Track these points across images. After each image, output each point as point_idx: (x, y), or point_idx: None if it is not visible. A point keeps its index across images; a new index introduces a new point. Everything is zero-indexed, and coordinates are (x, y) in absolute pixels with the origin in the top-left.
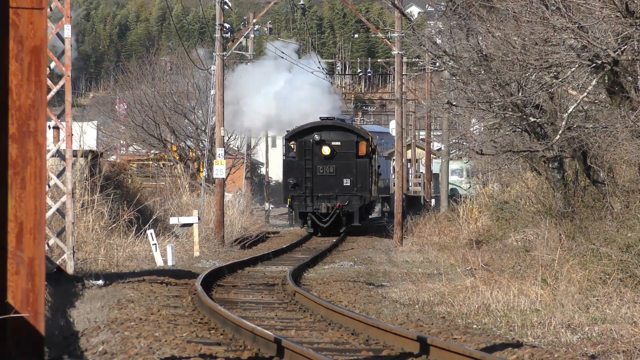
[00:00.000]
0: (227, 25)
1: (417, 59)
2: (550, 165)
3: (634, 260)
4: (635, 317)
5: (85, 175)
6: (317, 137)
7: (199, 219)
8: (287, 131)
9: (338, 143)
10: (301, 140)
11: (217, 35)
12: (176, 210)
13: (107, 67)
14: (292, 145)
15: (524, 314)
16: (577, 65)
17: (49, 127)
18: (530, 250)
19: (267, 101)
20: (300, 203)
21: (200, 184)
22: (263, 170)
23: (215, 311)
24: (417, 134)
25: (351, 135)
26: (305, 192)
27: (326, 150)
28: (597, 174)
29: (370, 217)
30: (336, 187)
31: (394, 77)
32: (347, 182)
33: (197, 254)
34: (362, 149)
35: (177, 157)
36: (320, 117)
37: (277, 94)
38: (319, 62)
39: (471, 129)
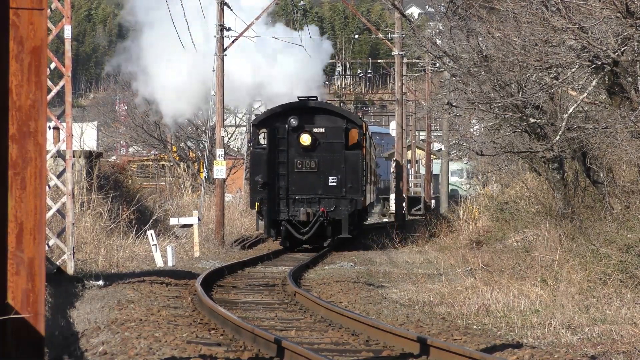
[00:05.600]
0: (227, 26)
1: (418, 60)
2: (550, 166)
3: (634, 261)
4: (636, 317)
5: (84, 175)
6: (294, 122)
7: (199, 219)
8: (254, 115)
9: (321, 130)
10: (273, 127)
11: (217, 35)
12: (176, 211)
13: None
14: (262, 134)
15: (524, 314)
16: (577, 66)
17: (49, 127)
18: (530, 251)
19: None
20: (271, 208)
21: (201, 185)
22: None
23: (215, 312)
24: (417, 134)
25: (339, 120)
26: (278, 194)
27: (306, 139)
28: (597, 175)
29: (366, 222)
30: (319, 188)
31: (394, 77)
32: (333, 180)
33: (197, 254)
34: (354, 137)
35: (177, 158)
36: (298, 97)
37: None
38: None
39: (471, 130)
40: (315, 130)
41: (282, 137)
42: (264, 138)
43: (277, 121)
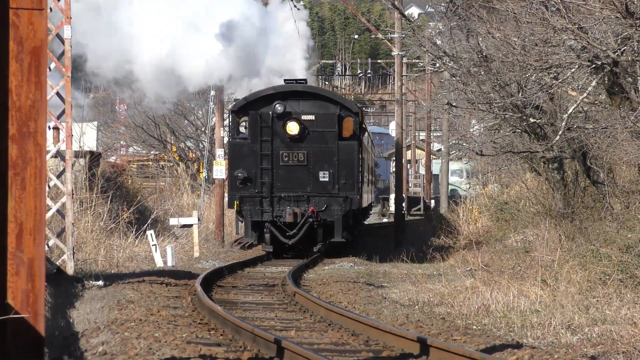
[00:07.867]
0: None
1: (418, 60)
2: (550, 166)
3: (634, 261)
4: (635, 317)
5: (84, 175)
6: (279, 108)
7: (198, 219)
8: (234, 100)
9: (311, 117)
10: (256, 113)
11: None
12: (176, 211)
13: None
14: (242, 122)
15: (523, 314)
16: (577, 66)
17: (49, 127)
18: (530, 251)
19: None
20: (253, 207)
21: (200, 185)
22: None
23: (215, 312)
24: (417, 134)
25: (331, 106)
26: (261, 191)
27: (293, 127)
28: (597, 175)
29: (365, 222)
30: (308, 184)
31: (394, 77)
32: (324, 176)
33: (196, 254)
34: (349, 127)
35: (177, 158)
36: (285, 80)
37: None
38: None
39: (471, 130)
40: (304, 117)
41: (265, 125)
42: (245, 127)
43: (259, 107)
